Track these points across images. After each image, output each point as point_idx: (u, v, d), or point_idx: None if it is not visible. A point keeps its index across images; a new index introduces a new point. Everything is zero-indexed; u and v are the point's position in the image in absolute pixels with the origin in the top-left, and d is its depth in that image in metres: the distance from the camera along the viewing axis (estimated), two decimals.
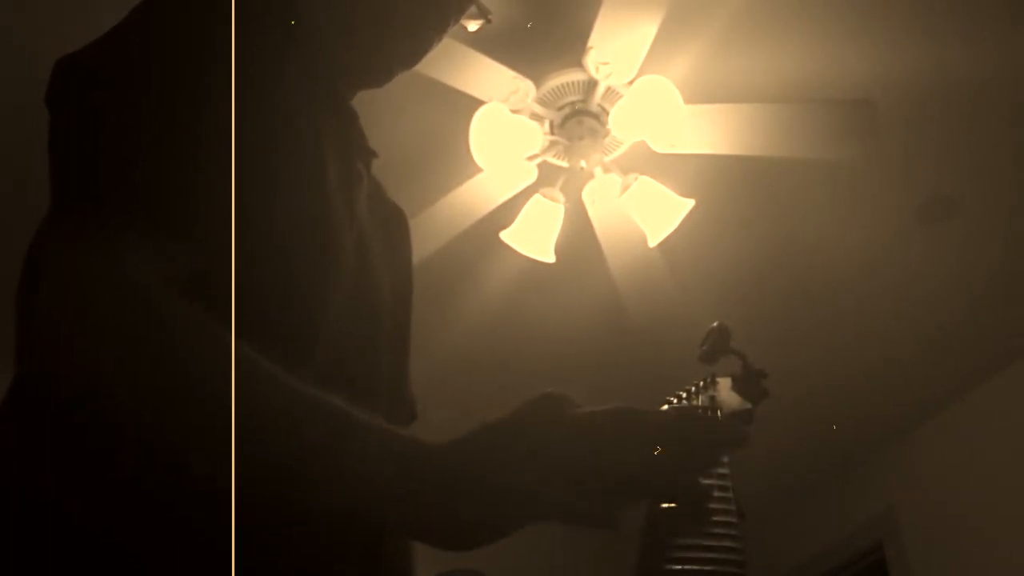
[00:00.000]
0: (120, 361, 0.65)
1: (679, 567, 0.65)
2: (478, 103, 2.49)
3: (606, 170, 2.65)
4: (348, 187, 0.91)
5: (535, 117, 2.59)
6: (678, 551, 0.71)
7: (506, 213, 2.67)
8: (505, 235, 2.67)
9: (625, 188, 2.59)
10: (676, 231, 2.61)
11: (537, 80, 2.54)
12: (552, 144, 2.66)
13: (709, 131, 2.53)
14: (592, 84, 2.55)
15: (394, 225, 1.07)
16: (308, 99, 0.87)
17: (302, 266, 0.80)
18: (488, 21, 1.23)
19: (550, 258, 2.70)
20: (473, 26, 2.30)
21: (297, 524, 0.69)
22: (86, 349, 0.66)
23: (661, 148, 2.57)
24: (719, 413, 1.01)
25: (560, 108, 2.62)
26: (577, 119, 2.61)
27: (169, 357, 0.66)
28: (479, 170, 2.61)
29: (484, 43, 2.42)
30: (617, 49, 2.40)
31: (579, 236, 2.80)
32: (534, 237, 2.67)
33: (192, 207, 0.73)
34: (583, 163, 2.63)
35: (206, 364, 0.66)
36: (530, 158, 2.62)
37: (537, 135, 2.57)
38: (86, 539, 0.68)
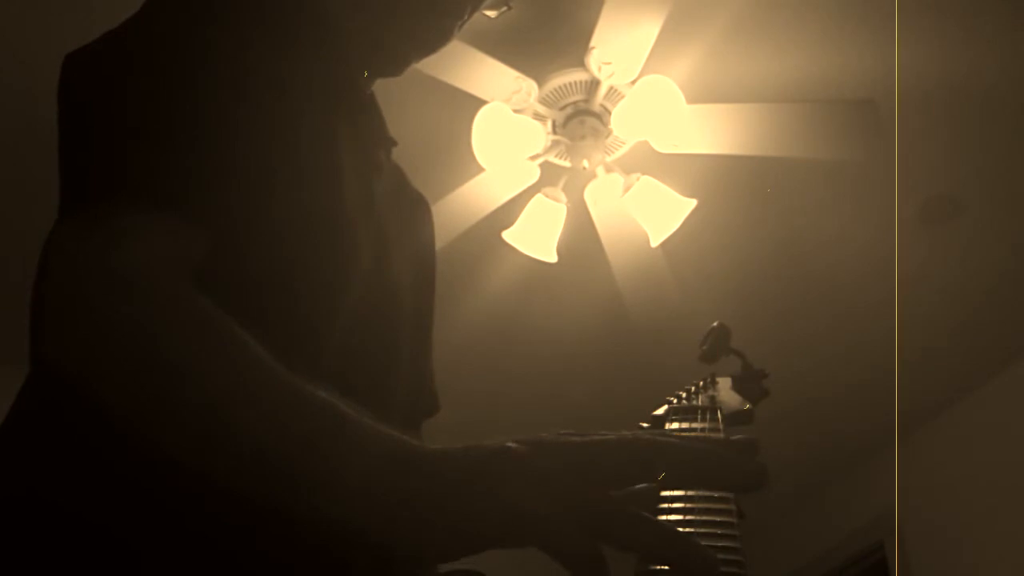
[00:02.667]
0: (116, 348, 0.65)
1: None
2: (480, 103, 2.49)
3: (608, 170, 2.65)
4: (366, 176, 0.91)
5: (537, 117, 2.59)
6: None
7: (508, 213, 2.67)
8: (507, 235, 2.67)
9: (627, 188, 2.59)
10: (678, 231, 2.61)
11: (540, 80, 2.55)
12: (554, 144, 2.66)
13: (712, 131, 2.53)
14: (594, 84, 2.55)
15: (416, 212, 1.07)
16: (319, 89, 0.87)
17: (315, 257, 0.80)
18: (508, 8, 1.21)
19: (552, 258, 2.70)
20: (493, 13, 2.31)
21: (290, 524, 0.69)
22: (84, 336, 0.66)
23: (663, 148, 2.57)
24: (719, 412, 1.01)
25: (562, 108, 2.62)
26: (579, 119, 2.61)
27: (163, 343, 0.65)
28: (481, 170, 2.61)
29: (487, 43, 2.43)
30: (619, 49, 2.40)
31: (581, 236, 2.80)
32: (536, 237, 2.67)
33: (201, 190, 0.73)
34: (585, 163, 2.63)
35: (197, 350, 0.65)
36: (532, 158, 2.62)
37: (539, 135, 2.57)
38: (86, 534, 0.68)
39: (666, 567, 0.65)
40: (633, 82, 2.50)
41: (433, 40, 1.01)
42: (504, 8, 2.34)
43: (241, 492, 0.63)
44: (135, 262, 0.68)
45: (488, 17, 2.48)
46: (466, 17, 1.01)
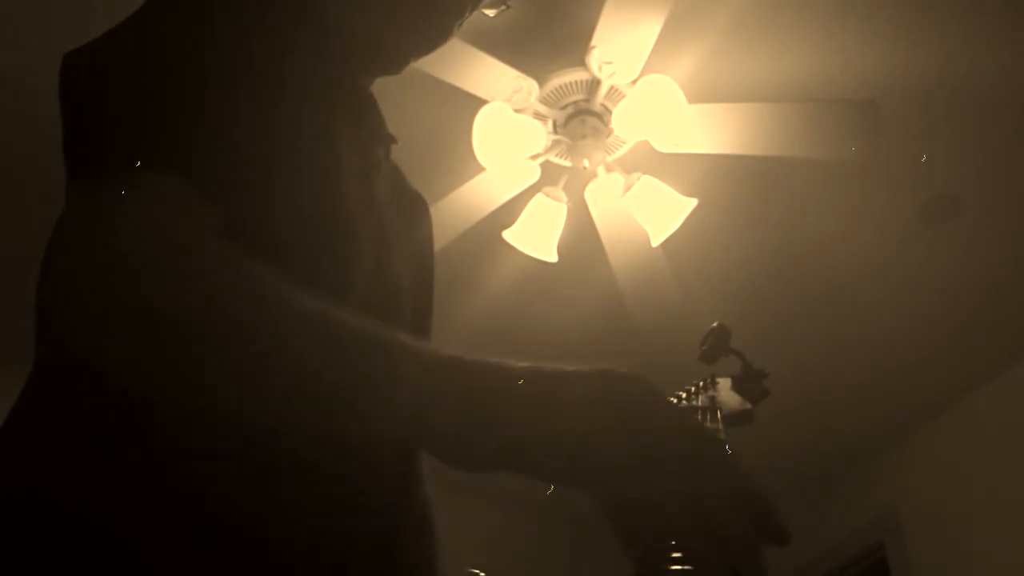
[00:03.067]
0: (155, 294, 0.63)
1: (678, 567, 0.65)
2: (481, 102, 2.49)
3: (609, 169, 2.65)
4: (366, 175, 0.91)
5: (538, 116, 2.59)
6: (678, 551, 0.71)
7: (509, 212, 2.67)
8: (508, 234, 2.67)
9: (628, 188, 2.59)
10: (679, 231, 2.61)
11: (540, 79, 2.54)
12: (555, 143, 2.66)
13: (712, 131, 2.53)
14: (595, 83, 2.55)
15: (414, 211, 1.07)
16: (320, 87, 0.87)
17: (317, 256, 0.80)
18: (507, 7, 1.22)
19: (552, 257, 2.70)
20: (492, 12, 2.30)
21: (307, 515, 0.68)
22: (119, 286, 0.64)
23: (664, 148, 2.57)
24: (719, 413, 1.00)
25: (563, 107, 2.62)
26: (580, 118, 2.61)
27: (197, 286, 0.64)
28: (482, 169, 2.61)
29: (487, 42, 2.42)
30: (620, 48, 2.40)
31: (582, 235, 2.79)
32: (537, 236, 2.67)
33: (200, 196, 0.73)
34: (586, 162, 2.63)
35: (231, 293, 0.64)
36: (533, 157, 2.62)
37: (540, 134, 2.57)
38: (85, 534, 0.68)
39: (669, 567, 0.65)
40: (634, 81, 2.50)
41: (432, 39, 1.01)
42: (503, 7, 2.34)
43: (296, 428, 0.64)
44: (162, 218, 0.67)
45: (487, 16, 2.48)
46: (465, 16, 1.01)
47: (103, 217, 0.66)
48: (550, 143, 2.64)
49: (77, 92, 0.79)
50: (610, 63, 2.45)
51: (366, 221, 0.87)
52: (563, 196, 2.67)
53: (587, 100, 2.60)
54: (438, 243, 1.12)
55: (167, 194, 0.69)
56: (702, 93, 2.61)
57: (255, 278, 0.65)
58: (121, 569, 0.67)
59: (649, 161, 2.68)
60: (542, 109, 2.60)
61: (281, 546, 0.70)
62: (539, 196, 2.66)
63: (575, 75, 2.56)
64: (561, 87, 2.58)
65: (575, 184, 2.71)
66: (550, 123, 2.63)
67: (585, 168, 2.65)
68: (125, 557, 0.68)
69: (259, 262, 0.66)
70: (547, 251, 2.68)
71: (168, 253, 0.65)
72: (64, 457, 0.71)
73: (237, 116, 0.77)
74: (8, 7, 2.42)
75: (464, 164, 2.64)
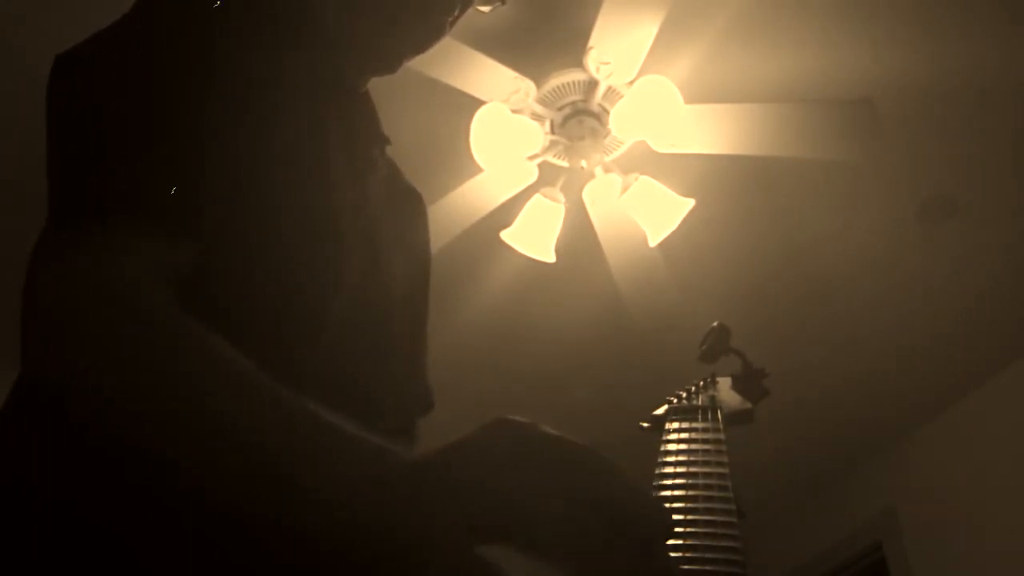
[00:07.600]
0: (106, 363, 0.65)
1: (680, 567, 0.64)
2: (479, 103, 2.49)
3: (606, 170, 2.65)
4: (358, 175, 0.90)
5: (536, 117, 2.59)
6: (679, 551, 0.71)
7: (507, 213, 2.67)
8: (506, 235, 2.67)
9: (625, 188, 2.59)
10: (676, 231, 2.61)
11: (538, 80, 2.54)
12: (553, 144, 2.65)
13: (709, 131, 2.53)
14: (593, 84, 2.55)
15: (411, 207, 1.06)
16: (312, 90, 0.87)
17: (305, 257, 0.80)
18: (502, 2, 1.22)
19: (550, 258, 2.70)
20: (486, 8, 2.28)
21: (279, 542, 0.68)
22: (74, 350, 0.65)
23: (662, 148, 2.57)
24: (719, 412, 1.01)
25: (561, 108, 2.62)
26: (578, 119, 2.61)
27: (152, 361, 0.65)
28: (480, 170, 2.61)
29: (485, 43, 2.42)
30: (618, 49, 2.40)
31: (580, 236, 2.79)
32: (535, 237, 2.67)
33: (193, 201, 0.72)
34: (584, 163, 2.63)
35: (186, 369, 0.64)
36: (531, 158, 2.62)
37: (538, 135, 2.57)
38: (80, 532, 0.68)
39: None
40: (631, 82, 2.50)
41: (426, 37, 1.01)
42: (497, 3, 2.32)
43: (231, 502, 0.62)
44: (125, 280, 0.68)
45: (482, 13, 2.47)
46: (457, 13, 1.00)
47: (67, 277, 0.68)
48: (548, 143, 2.64)
49: (67, 100, 0.78)
50: (608, 63, 2.45)
51: (359, 218, 0.87)
52: (561, 196, 2.67)
53: (585, 101, 2.60)
54: (437, 244, 1.12)
55: (143, 259, 0.70)
56: (699, 93, 2.61)
57: (205, 350, 0.65)
58: (117, 567, 0.67)
59: (647, 161, 2.68)
60: (540, 110, 2.59)
61: (279, 542, 0.70)
62: (537, 196, 2.66)
63: (573, 76, 2.56)
64: (559, 88, 2.58)
65: (573, 184, 2.71)
66: (548, 124, 2.63)
67: (583, 168, 2.65)
68: (121, 555, 0.67)
69: (222, 315, 0.67)
70: (545, 251, 2.68)
71: (119, 323, 0.66)
72: (57, 454, 0.71)
73: (229, 121, 0.77)
74: (7, 6, 2.42)
75: (462, 165, 2.64)
